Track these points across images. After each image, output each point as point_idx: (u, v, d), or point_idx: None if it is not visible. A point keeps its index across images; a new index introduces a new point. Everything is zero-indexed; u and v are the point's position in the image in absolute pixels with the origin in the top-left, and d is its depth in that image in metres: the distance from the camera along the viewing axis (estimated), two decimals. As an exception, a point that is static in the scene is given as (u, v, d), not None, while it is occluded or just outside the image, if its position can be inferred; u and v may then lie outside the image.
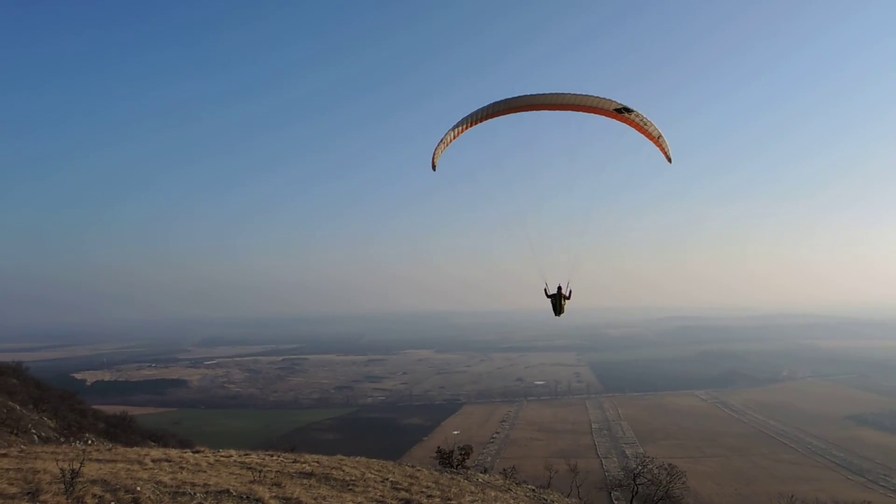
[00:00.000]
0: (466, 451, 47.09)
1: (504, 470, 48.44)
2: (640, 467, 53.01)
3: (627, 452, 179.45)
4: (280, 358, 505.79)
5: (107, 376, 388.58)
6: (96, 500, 15.09)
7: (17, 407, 75.89)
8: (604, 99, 23.79)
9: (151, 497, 16.28)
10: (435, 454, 48.21)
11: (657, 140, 25.36)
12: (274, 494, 19.26)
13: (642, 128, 25.07)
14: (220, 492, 18.69)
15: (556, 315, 30.12)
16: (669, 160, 26.32)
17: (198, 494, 17.77)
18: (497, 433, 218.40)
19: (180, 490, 18.17)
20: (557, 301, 29.38)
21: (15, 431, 65.51)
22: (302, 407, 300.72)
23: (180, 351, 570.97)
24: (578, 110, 24.32)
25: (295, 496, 19.41)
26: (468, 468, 44.70)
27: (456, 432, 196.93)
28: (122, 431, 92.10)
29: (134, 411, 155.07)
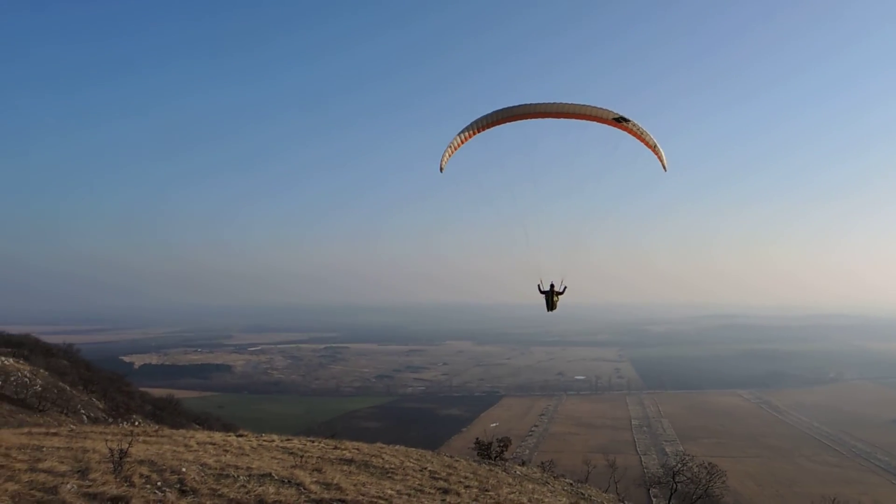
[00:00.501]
0: (505, 444, 47.23)
1: (542, 463, 48.38)
2: (679, 465, 52.55)
3: (667, 450, 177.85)
4: (322, 346, 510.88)
5: (154, 359, 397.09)
6: (143, 480, 15.53)
7: (68, 388, 77.99)
8: (603, 109, 24.79)
9: (196, 478, 16.70)
10: (473, 445, 48.42)
11: (654, 148, 26.24)
12: (315, 479, 19.59)
13: (640, 136, 25.94)
14: (262, 475, 19.09)
15: (548, 310, 30.44)
16: (665, 168, 27.24)
17: (241, 477, 18.16)
18: (536, 426, 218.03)
19: (224, 472, 18.59)
20: (550, 297, 29.62)
21: (65, 411, 67.41)
22: (343, 395, 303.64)
23: (226, 337, 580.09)
24: (579, 119, 25.32)
25: (335, 482, 19.71)
26: (506, 460, 44.84)
27: (495, 424, 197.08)
28: (167, 414, 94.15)
29: (179, 394, 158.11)
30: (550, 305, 30.29)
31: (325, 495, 17.57)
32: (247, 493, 16.10)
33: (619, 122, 24.99)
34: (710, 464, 52.37)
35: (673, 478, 50.72)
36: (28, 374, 74.04)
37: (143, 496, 13.77)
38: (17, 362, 78.71)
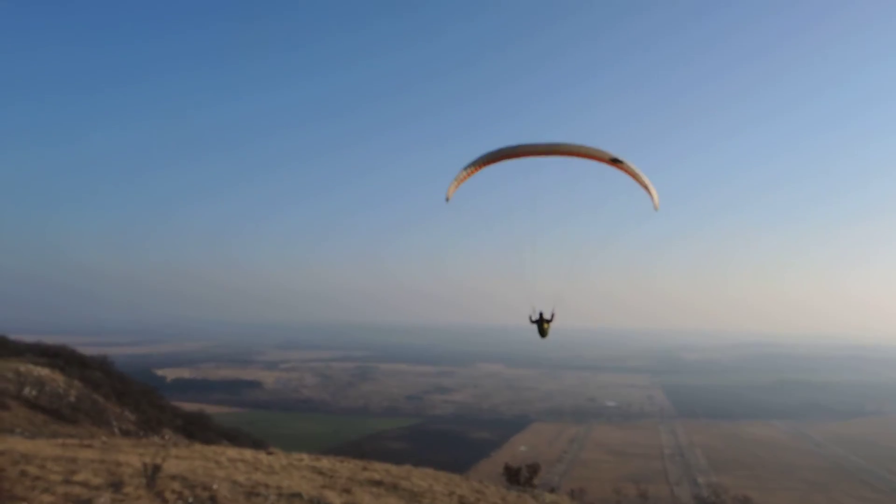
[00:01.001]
0: (534, 469, 46.84)
1: (571, 491, 47.93)
2: (712, 497, 51.68)
3: (700, 481, 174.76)
4: (352, 364, 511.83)
5: (186, 374, 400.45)
6: (175, 496, 15.63)
7: (101, 399, 79.03)
8: (600, 150, 26.54)
9: (227, 496, 16.76)
10: (502, 470, 48.08)
11: (646, 188, 27.72)
12: (344, 501, 19.57)
13: (634, 176, 27.54)
14: (292, 495, 19.11)
15: (541, 337, 31.52)
16: (656, 207, 28.76)
17: (271, 496, 18.20)
18: (565, 452, 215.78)
19: (255, 491, 18.65)
20: (540, 325, 30.83)
21: (98, 423, 68.28)
22: (372, 414, 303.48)
23: (257, 353, 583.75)
24: (578, 157, 26.91)
25: (364, 504, 19.67)
26: (535, 486, 44.40)
27: (524, 449, 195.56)
28: (198, 429, 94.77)
29: (210, 409, 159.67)
30: (543, 333, 31.24)
31: (355, 517, 17.53)
32: (277, 512, 16.12)
33: (615, 163, 26.56)
34: (744, 496, 51.51)
35: (705, 510, 49.88)
36: (63, 385, 75.17)
37: (174, 512, 13.85)
38: (53, 373, 79.92)
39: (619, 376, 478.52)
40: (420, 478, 31.93)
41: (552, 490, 50.40)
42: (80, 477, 16.43)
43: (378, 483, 27.34)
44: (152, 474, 16.32)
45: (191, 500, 15.68)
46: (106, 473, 17.84)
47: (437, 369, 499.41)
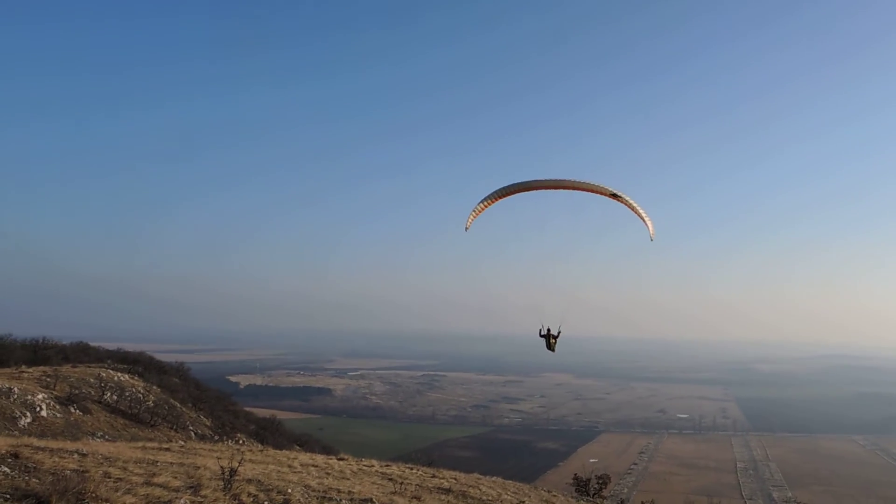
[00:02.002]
0: (604, 481, 46.26)
1: (642, 503, 47.05)
2: (789, 513, 49.99)
3: (775, 496, 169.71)
4: (420, 373, 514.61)
5: (258, 380, 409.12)
6: (251, 499, 16.02)
7: (178, 405, 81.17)
8: (602, 186, 29.46)
9: (301, 500, 17.09)
10: (571, 481, 47.62)
11: (643, 219, 30.00)
12: (414, 508, 19.71)
13: (632, 209, 29.89)
14: (363, 500, 19.36)
15: (549, 350, 33.41)
16: (651, 237, 31.18)
17: (343, 501, 18.47)
18: (635, 464, 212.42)
19: (327, 496, 18.96)
20: (548, 340, 32.48)
21: (175, 427, 70.15)
22: (439, 423, 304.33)
23: (327, 361, 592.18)
24: (583, 190, 29.73)
25: (434, 511, 19.77)
26: (605, 498, 43.88)
27: (593, 460, 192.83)
28: (270, 434, 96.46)
29: (281, 415, 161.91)
30: (550, 347, 33.06)
31: (425, 524, 17.64)
32: (349, 517, 16.36)
33: (615, 197, 29.35)
34: (822, 513, 49.65)
35: (782, 526, 48.31)
36: (142, 391, 77.46)
37: (250, 515, 14.20)
38: (132, 378, 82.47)
39: (690, 388, 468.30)
40: (489, 486, 31.91)
41: (622, 502, 49.72)
42: (160, 479, 16.96)
43: (447, 490, 27.44)
44: (229, 478, 16.75)
45: (266, 503, 16.04)
46: (185, 476, 18.39)
47: (504, 379, 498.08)
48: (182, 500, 14.30)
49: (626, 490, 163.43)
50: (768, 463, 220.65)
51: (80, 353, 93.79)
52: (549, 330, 32.20)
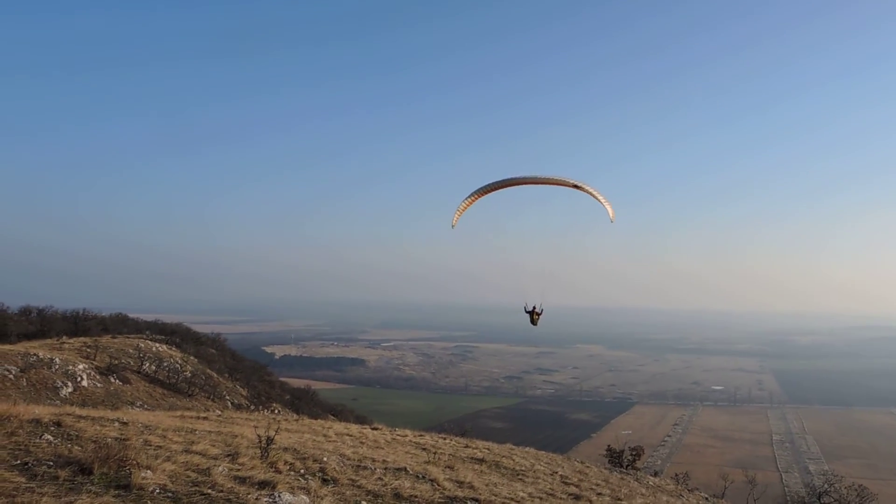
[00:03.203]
0: (637, 452, 46.33)
1: (676, 475, 46.95)
2: (826, 486, 49.48)
3: (811, 468, 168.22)
4: (453, 344, 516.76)
5: (293, 351, 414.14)
6: (288, 467, 16.24)
7: (215, 375, 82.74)
8: (565, 179, 32.29)
9: (336, 468, 17.29)
10: (605, 452, 47.70)
11: (603, 204, 32.92)
12: (448, 477, 19.85)
13: (593, 195, 32.69)
14: (397, 469, 19.55)
15: (532, 325, 35.12)
16: (612, 220, 33.98)
17: (377, 470, 18.67)
18: (669, 436, 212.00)
19: (362, 464, 19.18)
20: (531, 316, 34.26)
21: (212, 397, 71.52)
22: (471, 393, 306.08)
23: (360, 332, 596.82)
24: (550, 185, 32.72)
25: (468, 480, 19.90)
26: (638, 470, 43.88)
27: (627, 432, 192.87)
28: (304, 404, 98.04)
29: (315, 385, 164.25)
30: (533, 322, 34.73)
31: (459, 493, 17.77)
32: (384, 485, 16.52)
33: (576, 187, 32.23)
34: (860, 486, 49.08)
35: (818, 499, 47.88)
36: (179, 361, 78.97)
37: (287, 482, 14.38)
38: (170, 349, 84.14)
39: (725, 359, 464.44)
40: (522, 456, 32.07)
41: (655, 474, 49.67)
42: (198, 447, 17.27)
43: (480, 461, 27.63)
44: (266, 446, 16.99)
45: (302, 471, 16.25)
46: (223, 444, 18.72)
47: (537, 350, 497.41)
48: (221, 468, 14.53)
49: (659, 462, 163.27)
50: (805, 435, 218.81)
51: (120, 324, 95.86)
52: (533, 308, 34.20)
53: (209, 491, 12.70)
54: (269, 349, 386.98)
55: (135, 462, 13.17)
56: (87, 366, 58.80)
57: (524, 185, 32.80)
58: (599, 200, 32.95)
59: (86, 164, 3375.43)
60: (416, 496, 16.12)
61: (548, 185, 32.92)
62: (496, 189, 32.45)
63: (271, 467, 15.75)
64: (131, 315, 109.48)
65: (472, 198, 32.96)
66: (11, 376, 48.91)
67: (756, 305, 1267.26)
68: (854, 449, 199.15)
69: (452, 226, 33.78)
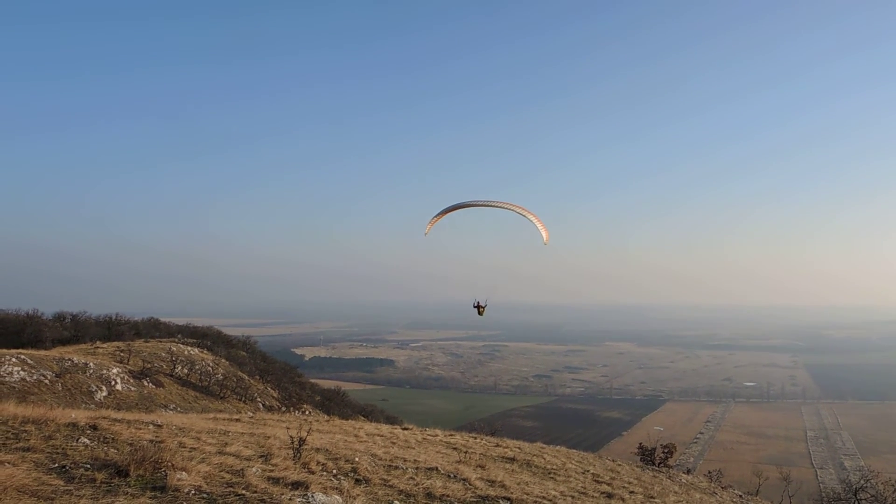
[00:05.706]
0: (670, 450, 45.86)
1: (709, 472, 46.50)
2: (862, 481, 48.65)
3: (846, 465, 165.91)
4: (481, 343, 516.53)
5: (323, 353, 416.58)
6: (320, 467, 16.34)
7: (246, 377, 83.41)
8: (512, 205, 34.53)
9: (368, 468, 17.37)
10: (636, 450, 47.35)
11: (538, 227, 35.15)
12: (479, 476, 19.84)
13: (530, 220, 35.03)
14: (429, 469, 19.58)
15: (479, 315, 37.68)
16: (545, 242, 35.99)
17: (409, 469, 18.71)
18: (701, 433, 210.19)
19: (393, 464, 19.23)
20: (478, 308, 37.13)
21: (243, 399, 72.14)
22: (501, 392, 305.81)
23: (389, 332, 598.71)
24: (503, 208, 34.71)
25: (499, 479, 19.88)
26: (671, 467, 43.50)
27: (659, 429, 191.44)
28: (335, 405, 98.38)
29: (345, 386, 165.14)
30: (480, 313, 37.42)
31: (491, 492, 17.76)
32: (415, 485, 16.55)
33: (522, 213, 34.67)
34: (897, 482, 48.18)
35: (855, 495, 47.07)
36: (211, 364, 79.70)
37: (320, 482, 14.46)
38: (202, 352, 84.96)
39: (758, 355, 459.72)
40: (553, 455, 31.95)
41: (688, 471, 49.24)
42: (232, 448, 17.43)
43: (511, 460, 27.57)
44: (298, 447, 17.12)
45: (335, 471, 16.35)
46: (255, 446, 18.87)
47: (566, 348, 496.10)
48: (254, 469, 14.66)
49: (692, 459, 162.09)
50: (840, 431, 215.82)
51: (152, 329, 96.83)
52: (479, 302, 37.04)
53: (243, 492, 12.81)
54: (298, 351, 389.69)
55: (170, 464, 13.32)
56: (120, 370, 59.51)
57: (482, 208, 35.40)
58: (536, 225, 35.65)
59: (113, 165, 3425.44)
60: (448, 495, 16.13)
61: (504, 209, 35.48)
62: (463, 208, 34.93)
63: (304, 468, 15.86)
64: (163, 319, 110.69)
65: (442, 213, 35.36)
66: (47, 381, 49.63)
67: (786, 299, 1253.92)
68: (891, 444, 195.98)
69: (425, 234, 36.31)
